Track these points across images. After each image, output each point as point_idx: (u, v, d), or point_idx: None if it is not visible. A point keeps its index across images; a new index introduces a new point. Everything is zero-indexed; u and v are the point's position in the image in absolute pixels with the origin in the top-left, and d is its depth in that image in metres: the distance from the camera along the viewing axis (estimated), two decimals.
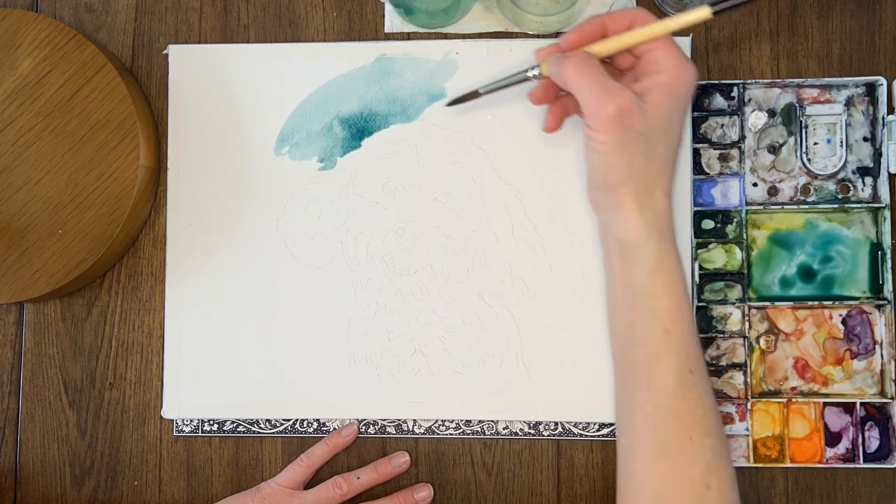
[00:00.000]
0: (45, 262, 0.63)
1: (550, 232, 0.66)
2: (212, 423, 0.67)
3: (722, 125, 0.66)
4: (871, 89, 0.65)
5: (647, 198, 0.55)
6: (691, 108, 0.65)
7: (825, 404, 0.64)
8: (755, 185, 0.65)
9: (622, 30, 0.57)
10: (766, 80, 0.65)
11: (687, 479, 0.53)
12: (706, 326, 0.65)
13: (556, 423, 0.65)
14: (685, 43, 0.66)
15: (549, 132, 0.63)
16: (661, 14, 0.66)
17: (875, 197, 0.65)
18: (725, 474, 0.54)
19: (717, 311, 0.65)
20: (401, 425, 0.66)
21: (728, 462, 0.55)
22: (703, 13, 0.55)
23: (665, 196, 0.55)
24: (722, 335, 0.65)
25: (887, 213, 0.64)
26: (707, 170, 0.66)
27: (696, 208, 0.65)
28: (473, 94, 0.63)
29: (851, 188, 0.65)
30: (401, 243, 0.66)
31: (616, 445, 0.57)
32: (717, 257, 0.65)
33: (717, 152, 0.66)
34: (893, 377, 0.64)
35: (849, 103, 0.65)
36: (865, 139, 0.65)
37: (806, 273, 0.65)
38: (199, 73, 0.68)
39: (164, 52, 0.68)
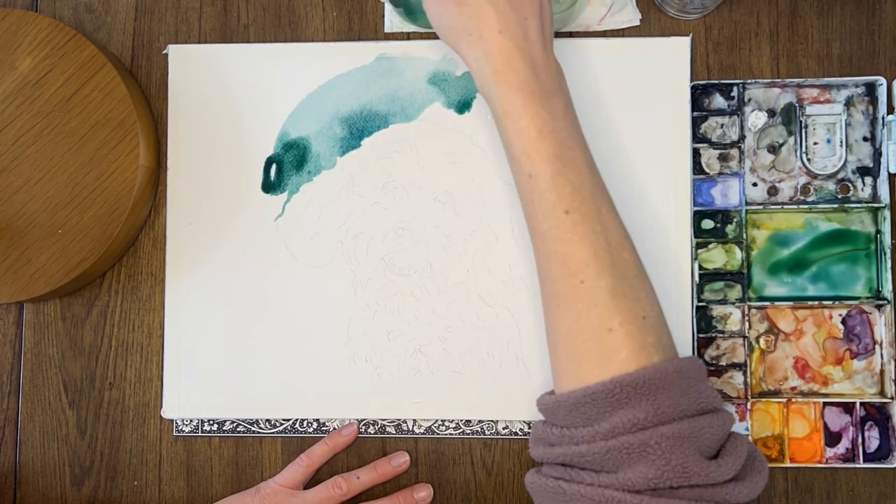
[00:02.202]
0: (44, 262, 0.63)
1: None
2: (212, 423, 0.67)
3: (722, 125, 0.66)
4: (870, 89, 0.65)
5: (477, 42, 0.55)
6: (691, 107, 0.65)
7: (825, 404, 0.64)
8: (755, 184, 0.65)
9: None
10: (766, 80, 0.65)
11: (587, 325, 0.51)
12: (706, 326, 0.65)
13: None
14: (685, 43, 0.66)
15: None
16: (663, 16, 0.66)
17: (875, 197, 0.65)
18: (630, 315, 0.51)
19: (717, 310, 0.65)
20: (401, 425, 0.66)
21: (634, 302, 0.52)
22: None
23: (498, 33, 0.54)
24: (722, 335, 0.65)
25: (887, 213, 0.64)
26: (707, 170, 0.66)
27: (695, 208, 0.65)
28: None
29: (851, 188, 0.65)
30: (401, 243, 0.66)
31: None
32: (717, 257, 0.65)
33: (717, 152, 0.66)
34: (893, 377, 0.64)
35: (849, 103, 0.65)
36: (865, 139, 0.65)
37: (806, 273, 0.65)
38: (199, 73, 0.68)
39: (164, 52, 0.68)
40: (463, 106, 0.67)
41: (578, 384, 0.51)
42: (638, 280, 0.53)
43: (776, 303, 0.65)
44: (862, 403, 0.64)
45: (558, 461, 0.52)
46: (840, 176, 0.65)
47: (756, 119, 0.65)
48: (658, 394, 0.49)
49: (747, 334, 0.65)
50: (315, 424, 0.66)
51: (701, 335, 0.65)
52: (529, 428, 0.65)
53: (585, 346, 0.51)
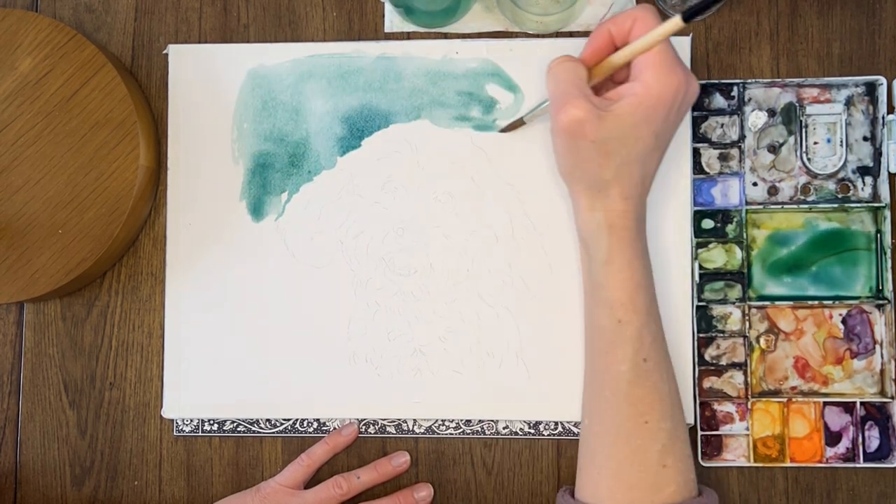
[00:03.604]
0: (45, 262, 0.63)
1: (550, 232, 0.66)
2: (212, 422, 0.67)
3: (722, 125, 0.66)
4: (871, 89, 0.65)
5: (601, 197, 0.58)
6: (691, 107, 0.65)
7: (825, 404, 0.64)
8: (755, 184, 0.65)
9: (625, 33, 0.58)
10: (766, 80, 0.65)
11: (644, 459, 0.57)
12: (706, 326, 0.65)
13: (556, 423, 0.65)
14: (685, 43, 0.66)
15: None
16: (663, 15, 0.66)
17: (875, 196, 0.65)
18: (681, 454, 0.58)
19: (717, 310, 0.65)
20: (401, 425, 0.66)
21: (684, 444, 0.58)
22: (675, 23, 0.54)
23: (622, 197, 0.57)
24: (722, 335, 0.65)
25: (887, 213, 0.64)
26: (707, 169, 0.66)
27: (696, 208, 0.65)
28: (519, 122, 0.65)
29: (851, 188, 0.65)
30: (401, 243, 0.66)
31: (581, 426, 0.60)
32: (717, 257, 0.65)
33: (717, 152, 0.66)
34: (893, 377, 0.64)
35: (849, 103, 0.65)
36: (865, 139, 0.65)
37: (806, 273, 0.65)
38: (199, 73, 0.68)
39: (164, 52, 0.68)
40: None
41: None
42: (684, 421, 0.59)
43: (776, 302, 0.65)
44: (862, 403, 0.64)
45: None
46: (840, 175, 0.65)
47: (756, 119, 0.65)
48: None
49: (747, 334, 0.65)
50: (315, 424, 0.66)
51: (701, 335, 0.65)
52: (530, 428, 0.65)
53: (640, 476, 0.57)
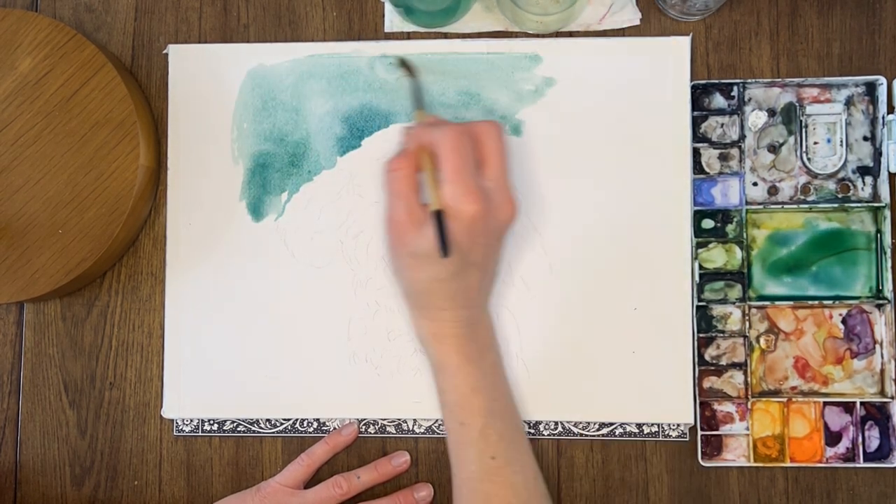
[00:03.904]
0: (45, 262, 0.63)
1: (550, 232, 0.66)
2: (212, 422, 0.67)
3: (722, 125, 0.66)
4: (871, 89, 0.65)
5: (419, 308, 0.58)
6: (691, 107, 0.65)
7: (825, 404, 0.64)
8: (755, 184, 0.65)
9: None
10: (766, 80, 0.65)
11: None
12: (706, 326, 0.65)
13: (556, 423, 0.65)
14: (685, 43, 0.66)
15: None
16: (663, 15, 0.66)
17: (875, 196, 0.65)
18: None
19: (717, 310, 0.65)
20: (401, 425, 0.66)
21: None
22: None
23: (439, 309, 0.57)
24: (722, 335, 0.65)
25: (887, 213, 0.64)
26: (707, 169, 0.66)
27: (696, 208, 0.65)
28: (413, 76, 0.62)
29: (851, 187, 0.65)
30: None
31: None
32: (717, 257, 0.65)
33: (717, 152, 0.66)
34: (893, 377, 0.64)
35: (849, 103, 0.65)
36: (865, 138, 0.65)
37: (806, 273, 0.65)
38: (199, 73, 0.68)
39: (164, 52, 0.68)
40: None
41: None
42: (544, 501, 0.59)
43: (776, 302, 0.65)
44: (862, 403, 0.64)
45: None
46: (840, 175, 0.65)
47: (756, 119, 0.65)
48: None
49: (747, 334, 0.65)
50: (315, 424, 0.66)
51: (701, 335, 0.65)
52: (530, 428, 0.65)
53: None
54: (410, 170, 0.57)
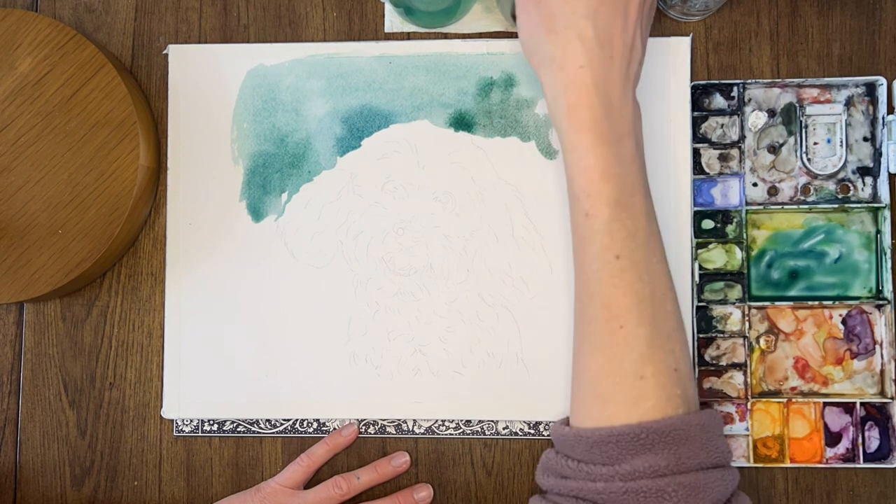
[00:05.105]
0: (45, 262, 0.63)
1: (550, 232, 0.66)
2: (212, 423, 0.67)
3: (722, 125, 0.66)
4: (871, 89, 0.65)
5: (554, 70, 0.54)
6: (691, 107, 0.65)
7: (825, 404, 0.64)
8: (755, 184, 0.65)
9: None
10: (766, 80, 0.65)
11: (619, 369, 0.52)
12: (706, 326, 0.65)
13: None
14: (685, 43, 0.66)
15: None
16: (663, 16, 0.66)
17: (875, 197, 0.65)
18: (663, 366, 0.52)
19: (717, 311, 0.65)
20: (401, 425, 0.66)
21: (668, 355, 0.52)
22: None
23: (576, 66, 0.54)
24: (722, 335, 0.65)
25: (887, 213, 0.64)
26: (707, 170, 0.66)
27: (696, 208, 0.65)
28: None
29: (851, 188, 0.65)
30: (401, 243, 0.66)
31: None
32: (717, 257, 0.65)
33: (717, 152, 0.66)
34: (893, 377, 0.64)
35: (849, 103, 0.65)
36: (865, 139, 0.65)
37: (806, 273, 0.65)
38: (199, 73, 0.68)
39: (164, 52, 0.68)
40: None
41: (603, 423, 0.52)
42: (676, 332, 0.54)
43: (776, 303, 0.65)
44: (862, 403, 0.64)
45: (571, 494, 0.53)
46: (840, 176, 0.65)
47: (756, 119, 0.65)
48: (680, 444, 0.51)
49: (747, 334, 0.65)
50: (315, 424, 0.66)
51: (701, 335, 0.65)
52: (530, 428, 0.65)
53: (616, 389, 0.52)
54: None
